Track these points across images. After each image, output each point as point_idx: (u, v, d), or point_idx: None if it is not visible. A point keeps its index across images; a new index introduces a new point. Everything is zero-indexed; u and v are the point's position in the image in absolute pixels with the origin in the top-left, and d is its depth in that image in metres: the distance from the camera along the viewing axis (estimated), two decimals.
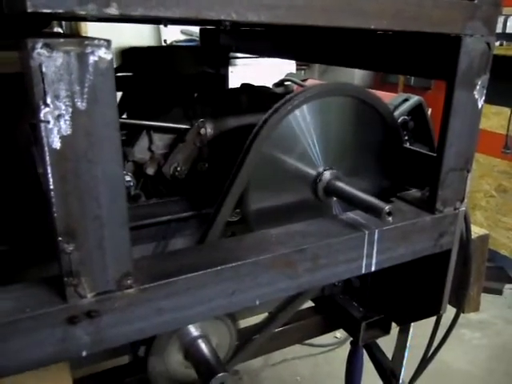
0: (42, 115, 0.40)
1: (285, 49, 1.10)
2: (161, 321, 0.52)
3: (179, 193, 0.81)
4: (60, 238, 0.44)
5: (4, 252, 0.60)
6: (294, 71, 2.69)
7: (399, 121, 0.95)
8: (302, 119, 0.71)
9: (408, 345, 0.94)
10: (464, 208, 0.73)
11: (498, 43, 2.56)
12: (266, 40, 1.12)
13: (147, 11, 0.42)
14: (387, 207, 0.61)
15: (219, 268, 0.55)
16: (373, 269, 0.67)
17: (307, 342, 2.07)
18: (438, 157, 0.70)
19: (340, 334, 2.15)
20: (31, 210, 0.63)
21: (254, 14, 0.48)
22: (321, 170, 0.73)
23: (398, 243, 0.68)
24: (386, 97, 1.00)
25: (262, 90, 1.00)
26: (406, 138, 1.00)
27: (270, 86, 1.17)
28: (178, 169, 0.80)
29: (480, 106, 0.67)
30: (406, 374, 1.04)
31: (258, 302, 0.59)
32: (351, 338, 1.08)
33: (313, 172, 0.73)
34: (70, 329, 0.47)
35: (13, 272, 0.59)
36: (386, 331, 0.94)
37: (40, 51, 0.39)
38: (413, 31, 0.59)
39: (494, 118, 2.65)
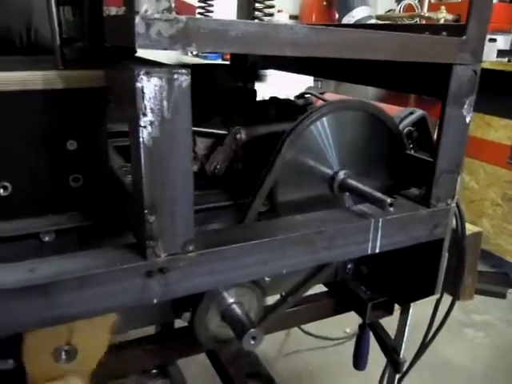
0: (141, 122, 0.57)
1: (304, 67, 1.26)
2: (213, 279, 0.69)
3: (218, 187, 0.97)
4: (146, 211, 0.61)
5: (88, 226, 0.77)
6: (312, 83, 2.87)
7: (405, 131, 1.10)
8: (322, 129, 0.87)
9: (408, 324, 1.09)
10: (454, 204, 0.89)
11: (506, 60, 2.69)
12: (288, 58, 1.28)
13: (215, 48, 0.59)
14: (389, 200, 0.77)
15: (257, 241, 0.71)
16: (377, 251, 0.83)
17: (318, 334, 2.23)
18: (433, 161, 0.85)
19: (349, 329, 2.30)
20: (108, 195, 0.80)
21: (290, 50, 0.64)
22: (336, 169, 0.89)
23: (398, 230, 0.83)
24: (395, 110, 1.16)
25: (287, 102, 1.17)
26: (411, 146, 1.16)
27: (292, 98, 1.33)
28: (218, 167, 0.96)
29: (468, 120, 0.83)
30: (406, 353, 1.19)
31: (284, 271, 0.75)
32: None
33: (329, 171, 0.89)
34: (147, 280, 0.64)
35: (95, 243, 0.76)
36: (390, 312, 1.10)
37: (142, 77, 0.55)
38: (414, 61, 0.75)
39: (501, 131, 2.78)
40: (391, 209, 0.77)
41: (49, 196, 0.76)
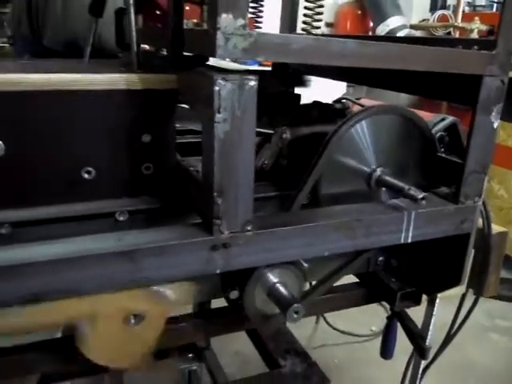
0: (216, 119, 0.68)
1: (342, 73, 1.37)
2: (265, 256, 0.80)
3: (264, 180, 1.08)
4: (215, 194, 0.72)
5: (156, 209, 0.89)
6: (345, 89, 2.97)
7: (437, 136, 1.19)
8: (362, 131, 0.98)
9: (434, 313, 1.18)
10: (480, 202, 0.98)
11: None
12: (328, 66, 1.39)
13: (278, 59, 0.70)
14: (422, 194, 0.87)
15: (304, 226, 0.82)
16: (409, 240, 0.92)
17: (345, 330, 2.32)
18: (462, 162, 0.95)
19: (375, 327, 2.38)
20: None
21: (339, 61, 0.75)
22: (373, 167, 0.99)
23: (428, 223, 0.93)
24: (427, 116, 1.25)
25: (327, 106, 1.27)
26: (442, 149, 1.24)
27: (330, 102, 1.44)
28: (265, 162, 1.08)
29: (495, 126, 0.92)
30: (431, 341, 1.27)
31: (326, 254, 0.86)
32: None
33: (367, 169, 0.99)
34: (212, 253, 0.75)
35: (161, 223, 0.88)
36: (417, 302, 1.19)
37: (220, 81, 0.67)
38: (447, 72, 0.85)
39: None
40: (423, 202, 0.86)
41: (124, 181, 0.89)
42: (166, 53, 0.94)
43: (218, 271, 0.77)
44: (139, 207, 0.89)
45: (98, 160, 0.85)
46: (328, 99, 1.43)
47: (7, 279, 0.65)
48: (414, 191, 0.88)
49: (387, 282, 1.20)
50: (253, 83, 0.69)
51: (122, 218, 0.88)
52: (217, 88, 0.67)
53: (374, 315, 2.50)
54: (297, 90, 1.52)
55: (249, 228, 0.77)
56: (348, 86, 3.12)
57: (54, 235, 0.75)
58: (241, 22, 0.65)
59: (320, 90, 2.04)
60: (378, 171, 0.98)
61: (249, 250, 0.78)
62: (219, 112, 0.68)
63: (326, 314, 2.29)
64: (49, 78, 0.77)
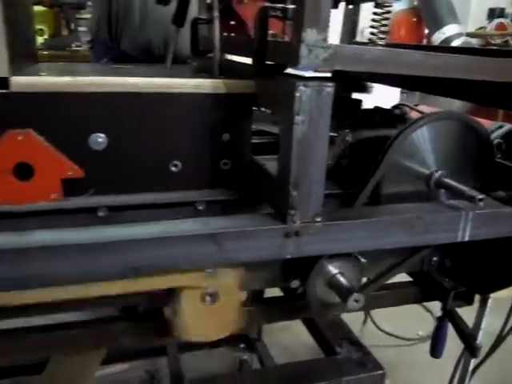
0: (295, 121, 0.77)
1: (398, 80, 1.43)
2: (332, 246, 0.88)
3: (327, 179, 1.16)
4: (290, 187, 0.81)
5: (232, 200, 0.99)
6: (398, 94, 3.01)
7: (494, 142, 1.24)
8: (422, 135, 1.04)
9: (486, 313, 1.22)
10: None
11: None
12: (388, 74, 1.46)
13: (353, 68, 0.79)
14: (480, 196, 0.92)
15: (367, 220, 0.89)
16: (466, 239, 0.98)
17: (392, 332, 2.35)
18: None
19: (422, 332, 2.40)
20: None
21: (407, 70, 0.82)
22: (433, 170, 1.05)
23: (485, 224, 0.98)
24: (485, 123, 1.29)
25: (387, 111, 1.34)
26: (500, 156, 1.28)
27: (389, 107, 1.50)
28: (329, 162, 1.16)
29: None
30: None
31: (387, 247, 0.93)
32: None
33: (427, 171, 1.05)
34: (285, 240, 0.84)
35: (235, 213, 0.98)
36: (470, 302, 1.23)
37: (301, 87, 0.76)
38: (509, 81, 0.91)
39: None
40: (481, 203, 0.92)
41: (205, 174, 0.99)
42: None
43: (288, 256, 0.86)
44: (217, 198, 0.99)
45: (184, 155, 0.96)
46: (382, 105, 1.50)
47: (111, 254, 0.76)
48: (472, 192, 0.94)
49: (441, 281, 1.26)
50: (329, 89, 0.78)
51: (201, 208, 0.99)
52: (298, 93, 0.76)
53: (420, 320, 2.53)
54: (355, 96, 1.59)
55: (318, 219, 0.85)
56: (401, 93, 3.15)
57: (144, 219, 0.87)
58: (322, 35, 0.74)
59: (374, 96, 2.11)
60: (438, 173, 1.04)
61: (317, 239, 0.86)
62: (298, 114, 0.77)
63: (373, 317, 2.34)
64: (150, 82, 0.89)
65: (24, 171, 0.85)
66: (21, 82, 0.84)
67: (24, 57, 1.03)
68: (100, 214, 0.93)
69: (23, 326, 1.03)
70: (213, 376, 1.22)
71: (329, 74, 1.55)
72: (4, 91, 0.83)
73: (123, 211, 0.94)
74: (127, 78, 0.91)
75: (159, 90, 0.90)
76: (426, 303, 2.62)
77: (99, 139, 0.89)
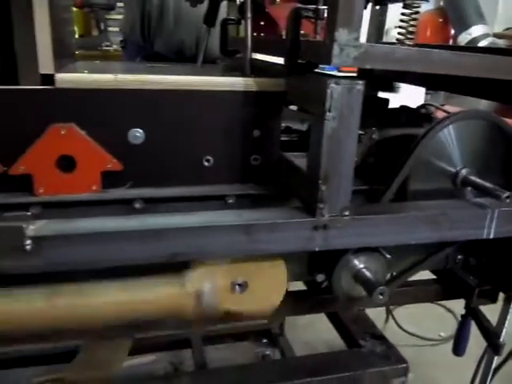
0: (326, 117, 0.80)
1: (424, 80, 1.44)
2: (359, 240, 0.91)
3: (354, 176, 1.18)
4: (320, 181, 0.84)
5: (261, 195, 1.03)
6: (423, 94, 3.01)
7: None
8: (449, 134, 1.06)
9: (510, 311, 1.23)
10: None
11: None
12: (413, 73, 1.48)
13: (383, 66, 0.81)
14: (506, 194, 0.94)
15: (394, 215, 0.92)
16: (491, 236, 0.99)
17: (414, 332, 2.36)
18: None
19: (444, 333, 2.40)
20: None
21: (437, 69, 0.85)
22: (459, 168, 1.07)
23: (510, 221, 1.00)
24: (510, 123, 1.30)
25: (414, 110, 1.36)
26: None
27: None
28: (355, 159, 1.18)
29: None
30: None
31: (412, 242, 0.95)
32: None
33: (453, 169, 1.07)
34: (313, 233, 0.87)
35: (264, 207, 1.01)
36: (494, 300, 1.24)
37: (333, 85, 0.79)
38: None
39: None
40: (507, 201, 0.94)
41: (235, 169, 1.03)
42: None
43: (316, 249, 0.89)
44: (247, 192, 1.02)
45: (216, 150, 1.00)
46: (408, 105, 1.51)
47: (153, 241, 0.80)
48: (498, 190, 0.95)
49: (465, 278, 1.27)
50: (360, 87, 0.80)
51: (231, 201, 1.02)
52: (329, 90, 0.79)
53: (442, 321, 2.52)
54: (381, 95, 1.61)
55: (346, 213, 0.88)
56: (426, 94, 3.14)
57: (178, 212, 0.91)
58: (354, 35, 0.77)
59: (399, 96, 2.12)
60: (464, 171, 1.05)
61: (345, 232, 0.89)
62: (329, 111, 0.80)
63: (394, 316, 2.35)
64: (187, 79, 0.93)
65: (67, 164, 0.90)
66: (65, 78, 0.89)
67: (65, 55, 1.09)
68: (136, 205, 0.97)
69: None
70: (237, 365, 1.25)
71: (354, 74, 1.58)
72: (49, 87, 0.88)
73: (157, 203, 0.99)
74: (166, 76, 0.95)
75: (195, 88, 0.94)
76: (448, 305, 2.61)
77: (137, 134, 0.94)
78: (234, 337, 1.92)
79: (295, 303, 1.22)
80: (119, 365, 1.70)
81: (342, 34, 0.76)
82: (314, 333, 2.31)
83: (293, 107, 1.28)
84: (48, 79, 0.89)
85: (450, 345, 1.51)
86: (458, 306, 1.42)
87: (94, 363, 1.70)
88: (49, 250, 0.75)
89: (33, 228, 0.76)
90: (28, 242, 0.74)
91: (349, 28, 0.76)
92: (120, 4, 3.00)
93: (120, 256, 0.80)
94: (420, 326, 2.45)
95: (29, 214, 0.81)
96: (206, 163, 1.00)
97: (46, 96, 0.88)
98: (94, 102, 0.90)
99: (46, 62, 0.88)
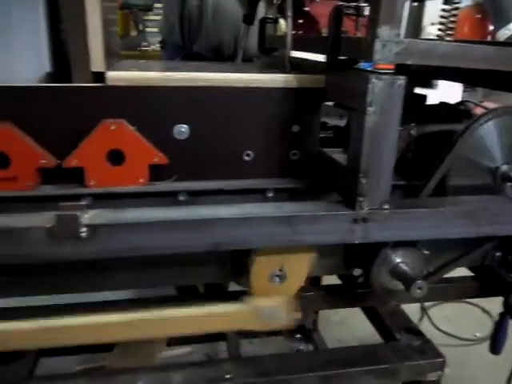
0: (367, 111, 0.82)
1: (463, 76, 1.43)
2: (398, 233, 0.92)
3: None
4: (360, 175, 0.86)
5: (299, 188, 1.05)
6: (461, 91, 2.97)
7: None
8: (489, 129, 1.06)
9: None
10: None
11: None
12: (450, 69, 1.47)
13: (424, 62, 0.82)
14: None
15: (433, 209, 0.93)
16: None
17: (449, 332, 2.33)
18: None
19: (479, 333, 2.36)
20: None
21: (478, 64, 0.85)
22: (499, 164, 1.06)
23: None
24: None
25: (453, 106, 1.35)
26: None
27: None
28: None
29: None
30: None
31: (450, 237, 0.96)
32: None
33: (493, 165, 1.07)
34: (353, 225, 0.89)
35: (302, 201, 1.03)
36: None
37: (374, 80, 0.81)
38: None
39: None
40: None
41: (275, 164, 1.06)
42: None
43: (356, 241, 0.91)
44: (286, 186, 1.05)
45: (257, 145, 1.03)
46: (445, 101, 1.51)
47: (197, 230, 0.84)
48: None
49: (503, 276, 1.25)
50: (401, 82, 0.82)
51: (270, 195, 1.05)
52: (370, 86, 0.81)
53: (478, 322, 2.48)
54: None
55: (386, 207, 0.90)
56: (463, 91, 3.10)
57: (219, 204, 0.94)
58: (395, 31, 0.78)
59: (437, 93, 2.11)
60: (504, 167, 1.05)
61: (384, 225, 0.91)
62: (371, 105, 0.82)
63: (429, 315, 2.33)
64: (230, 77, 0.96)
65: (116, 157, 0.95)
66: (115, 76, 0.94)
67: (113, 54, 1.14)
68: (180, 198, 1.01)
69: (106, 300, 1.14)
70: (274, 354, 1.28)
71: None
72: (100, 84, 0.93)
73: (200, 196, 1.02)
74: (211, 74, 0.98)
75: (237, 85, 0.98)
76: (485, 305, 2.57)
77: (182, 129, 0.98)
78: (267, 332, 1.94)
79: (331, 297, 1.24)
80: (157, 355, 1.76)
81: (384, 31, 0.78)
82: (348, 330, 2.31)
83: (328, 103, 1.30)
84: (99, 77, 0.94)
85: (485, 345, 1.49)
86: (496, 307, 1.40)
87: (133, 353, 1.76)
88: (102, 238, 0.80)
89: (87, 217, 0.81)
90: (83, 229, 0.79)
91: (391, 24, 0.77)
92: (158, 5, 3.07)
93: (166, 244, 0.84)
94: (455, 327, 2.42)
95: (83, 203, 0.86)
96: (247, 158, 1.03)
97: (97, 93, 0.93)
98: (142, 99, 0.95)
99: (97, 61, 0.93)
